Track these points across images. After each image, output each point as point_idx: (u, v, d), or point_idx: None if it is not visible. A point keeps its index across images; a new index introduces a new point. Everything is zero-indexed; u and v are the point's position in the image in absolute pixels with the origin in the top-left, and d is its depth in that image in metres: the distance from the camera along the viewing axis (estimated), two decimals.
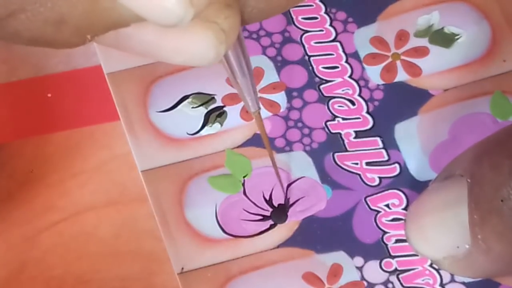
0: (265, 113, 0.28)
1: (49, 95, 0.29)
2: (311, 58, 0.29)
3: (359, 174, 0.28)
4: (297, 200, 0.27)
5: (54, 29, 0.17)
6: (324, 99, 0.28)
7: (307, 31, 0.29)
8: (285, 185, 0.27)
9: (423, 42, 0.29)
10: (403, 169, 0.28)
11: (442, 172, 0.25)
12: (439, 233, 0.24)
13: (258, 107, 0.23)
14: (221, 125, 0.28)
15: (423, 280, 0.26)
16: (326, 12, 0.29)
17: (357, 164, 0.28)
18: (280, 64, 0.29)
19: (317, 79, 0.29)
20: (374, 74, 0.29)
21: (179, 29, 0.17)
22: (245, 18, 0.18)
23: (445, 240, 0.24)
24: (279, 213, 0.27)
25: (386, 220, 0.27)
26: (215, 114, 0.28)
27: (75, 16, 0.17)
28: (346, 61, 0.29)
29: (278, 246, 0.27)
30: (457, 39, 0.29)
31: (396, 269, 0.26)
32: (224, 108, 0.28)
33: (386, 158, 0.28)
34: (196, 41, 0.17)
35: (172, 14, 0.16)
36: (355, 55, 0.29)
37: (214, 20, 0.17)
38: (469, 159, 0.24)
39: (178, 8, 0.16)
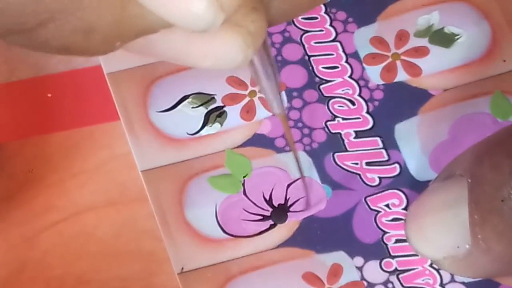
0: (265, 113, 0.28)
1: (49, 95, 0.29)
2: (311, 58, 0.29)
3: (359, 174, 0.28)
4: (297, 200, 0.27)
5: (83, 38, 0.17)
6: (324, 99, 0.28)
7: (307, 31, 0.29)
8: (285, 185, 0.27)
9: (423, 42, 0.29)
10: (403, 169, 0.28)
11: (442, 172, 0.25)
12: (439, 233, 0.24)
13: (283, 109, 0.23)
14: (221, 125, 0.28)
15: (423, 280, 0.26)
16: (326, 12, 0.29)
17: (357, 164, 0.28)
18: (280, 64, 0.29)
19: (317, 79, 0.29)
20: (374, 74, 0.29)
21: (208, 33, 0.17)
22: (268, 19, 0.18)
23: (445, 240, 0.24)
24: (279, 213, 0.27)
25: (386, 220, 0.27)
26: (215, 114, 0.28)
27: (104, 24, 0.16)
28: (346, 61, 0.29)
29: (278, 246, 0.27)
30: (457, 39, 0.29)
31: (396, 269, 0.26)
32: (224, 108, 0.28)
33: (386, 158, 0.28)
34: (225, 45, 0.17)
35: (203, 19, 0.16)
36: (355, 55, 0.29)
37: (241, 24, 0.17)
38: (470, 159, 0.24)
39: (208, 13, 0.16)
